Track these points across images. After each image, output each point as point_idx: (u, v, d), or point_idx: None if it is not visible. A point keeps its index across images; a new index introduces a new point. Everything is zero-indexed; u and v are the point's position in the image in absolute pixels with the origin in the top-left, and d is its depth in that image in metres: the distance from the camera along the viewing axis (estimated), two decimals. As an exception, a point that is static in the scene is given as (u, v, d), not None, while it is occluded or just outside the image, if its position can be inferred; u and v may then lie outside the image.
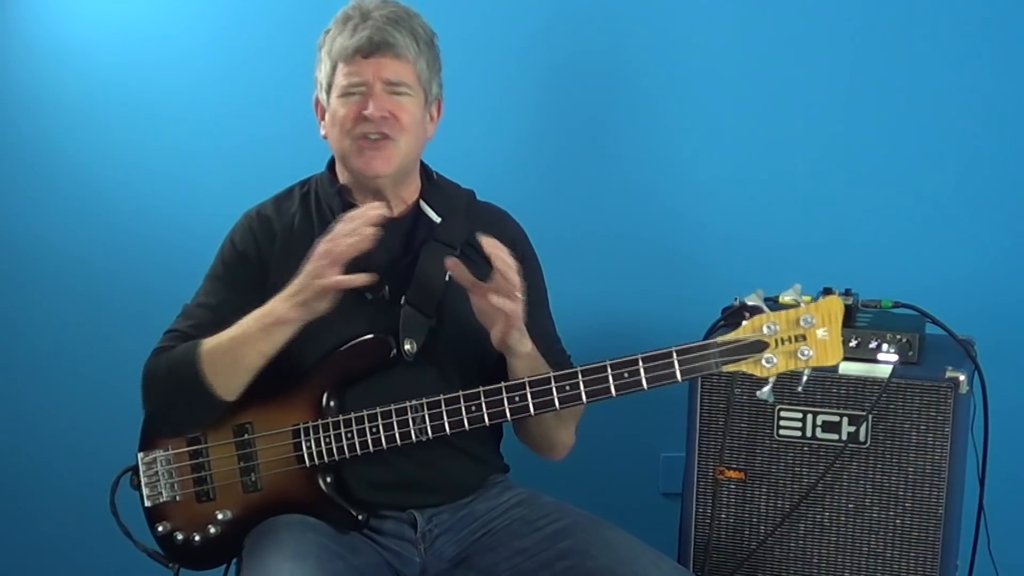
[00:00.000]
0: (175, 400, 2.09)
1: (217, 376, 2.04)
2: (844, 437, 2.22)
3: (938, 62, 2.67)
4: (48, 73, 2.87)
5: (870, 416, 2.20)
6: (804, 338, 1.90)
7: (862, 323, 2.29)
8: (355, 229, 1.96)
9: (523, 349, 2.03)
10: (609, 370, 1.94)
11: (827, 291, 2.29)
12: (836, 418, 2.23)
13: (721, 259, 2.78)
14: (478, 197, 2.29)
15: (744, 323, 1.92)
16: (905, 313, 2.33)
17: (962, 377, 2.18)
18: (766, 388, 1.93)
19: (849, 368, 2.22)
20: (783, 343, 1.90)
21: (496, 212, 2.27)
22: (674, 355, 1.93)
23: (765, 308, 1.91)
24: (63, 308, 2.95)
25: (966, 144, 2.69)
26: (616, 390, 1.94)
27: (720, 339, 1.92)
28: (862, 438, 2.22)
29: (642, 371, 1.93)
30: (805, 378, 1.95)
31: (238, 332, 2.03)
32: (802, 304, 1.90)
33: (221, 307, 2.13)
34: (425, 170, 2.24)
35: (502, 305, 1.95)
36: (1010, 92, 2.66)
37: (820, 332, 1.89)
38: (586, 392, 1.95)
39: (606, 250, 2.81)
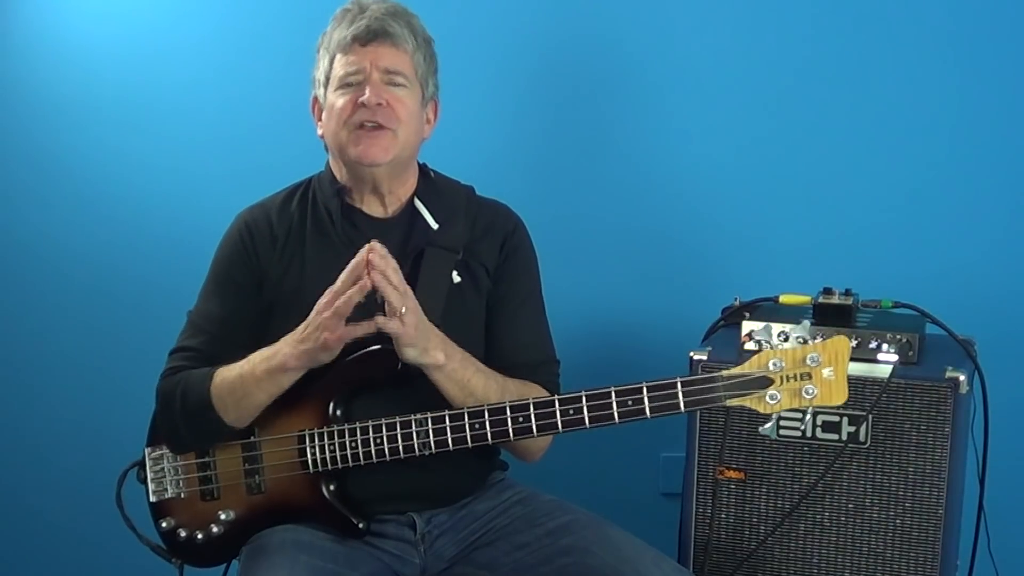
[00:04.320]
0: (190, 426, 2.11)
1: (227, 410, 2.07)
2: (844, 437, 2.22)
3: (939, 62, 2.67)
4: (48, 69, 2.87)
5: (870, 416, 2.20)
6: (809, 376, 1.89)
7: (862, 323, 2.29)
8: (356, 276, 1.96)
9: (430, 361, 2.01)
10: (614, 396, 1.94)
11: (827, 291, 2.30)
12: (836, 418, 2.23)
13: (721, 258, 2.78)
14: (477, 192, 2.28)
15: (751, 358, 1.92)
16: (905, 313, 2.33)
17: (962, 377, 2.18)
18: (768, 424, 1.93)
19: (849, 368, 2.21)
20: (788, 380, 1.89)
21: (495, 207, 2.27)
22: (679, 385, 1.92)
23: (773, 342, 1.90)
24: (67, 304, 2.96)
25: (966, 144, 2.68)
26: (619, 417, 1.94)
27: (726, 372, 1.92)
28: (862, 438, 2.22)
29: (646, 400, 1.93)
30: (808, 416, 1.95)
31: (247, 370, 2.04)
32: (809, 342, 1.90)
33: (226, 318, 2.15)
34: (422, 169, 2.25)
35: (383, 326, 1.96)
36: (1010, 92, 2.66)
37: (826, 372, 1.89)
38: (589, 417, 1.95)
39: (606, 248, 2.81)
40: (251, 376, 2.04)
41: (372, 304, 2.00)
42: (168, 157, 2.87)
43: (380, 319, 1.96)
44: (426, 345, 2.00)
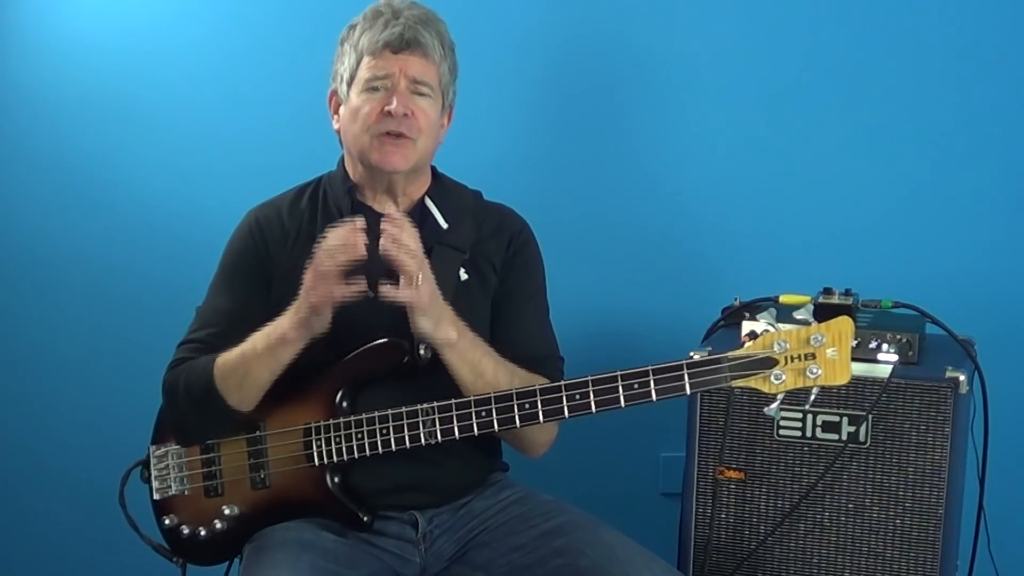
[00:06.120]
0: (195, 414, 2.11)
1: (231, 392, 2.06)
2: (844, 437, 2.22)
3: (938, 63, 2.67)
4: (48, 69, 2.87)
5: (870, 416, 2.20)
6: (813, 356, 1.90)
7: (862, 323, 2.28)
8: (345, 241, 1.95)
9: (442, 336, 2.01)
10: (620, 380, 1.94)
11: (827, 291, 2.30)
12: (836, 418, 2.23)
13: (722, 258, 2.78)
14: (484, 197, 2.29)
15: (756, 339, 1.93)
16: (905, 313, 2.33)
17: (962, 377, 2.18)
18: (774, 405, 1.94)
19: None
20: (792, 360, 1.91)
21: (501, 210, 2.28)
22: (684, 368, 1.93)
23: (776, 327, 1.91)
24: (70, 303, 2.95)
25: (966, 144, 2.68)
26: (625, 401, 1.94)
27: (731, 354, 1.93)
28: (862, 438, 2.22)
29: (652, 383, 1.93)
30: (813, 396, 1.95)
31: (248, 348, 2.04)
32: (812, 323, 1.91)
33: (234, 311, 2.15)
34: (433, 171, 2.26)
35: (397, 295, 1.95)
36: (1010, 92, 2.66)
37: (830, 351, 1.90)
38: (596, 402, 1.95)
39: (606, 249, 2.81)
40: (252, 353, 2.03)
41: (377, 274, 1.99)
42: (172, 156, 2.87)
43: (390, 289, 1.95)
44: (440, 317, 2.00)
